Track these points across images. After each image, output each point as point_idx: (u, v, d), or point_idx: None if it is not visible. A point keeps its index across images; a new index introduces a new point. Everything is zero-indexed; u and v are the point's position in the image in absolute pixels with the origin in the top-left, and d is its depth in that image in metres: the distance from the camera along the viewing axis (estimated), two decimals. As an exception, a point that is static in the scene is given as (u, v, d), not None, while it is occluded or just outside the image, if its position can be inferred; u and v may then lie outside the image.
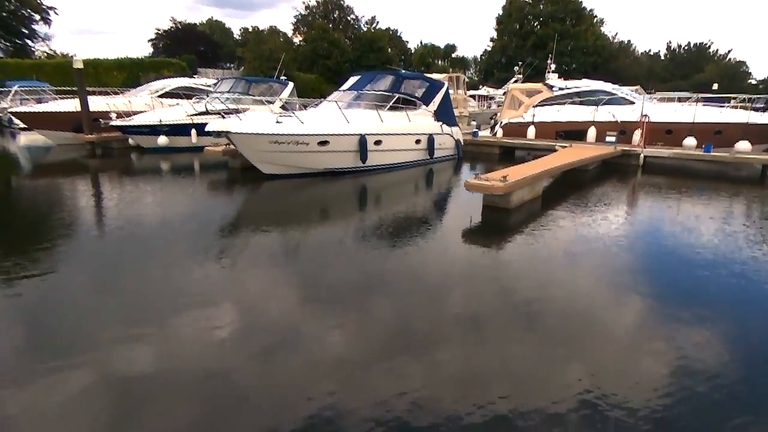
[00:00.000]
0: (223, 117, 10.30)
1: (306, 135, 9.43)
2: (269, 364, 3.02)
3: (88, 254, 5.29)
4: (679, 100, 15.91)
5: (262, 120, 9.91)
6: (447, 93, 13.34)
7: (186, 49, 45.95)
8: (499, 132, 15.79)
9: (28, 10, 40.29)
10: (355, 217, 7.60)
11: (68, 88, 17.48)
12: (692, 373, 3.10)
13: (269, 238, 6.14)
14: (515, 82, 25.00)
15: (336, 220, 7.45)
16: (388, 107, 11.36)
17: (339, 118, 10.17)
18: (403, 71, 13.63)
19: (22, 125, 19.32)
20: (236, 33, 65.83)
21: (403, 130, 11.47)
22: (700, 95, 15.27)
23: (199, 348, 3.13)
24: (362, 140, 10.19)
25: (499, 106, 24.01)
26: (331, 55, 48.17)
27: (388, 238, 6.03)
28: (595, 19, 50.60)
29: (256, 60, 48.13)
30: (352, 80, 12.70)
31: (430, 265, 5.10)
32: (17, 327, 3.43)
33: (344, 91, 12.29)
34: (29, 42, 41.26)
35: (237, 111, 11.48)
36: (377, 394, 2.79)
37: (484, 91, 33.87)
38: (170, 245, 5.56)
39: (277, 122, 9.44)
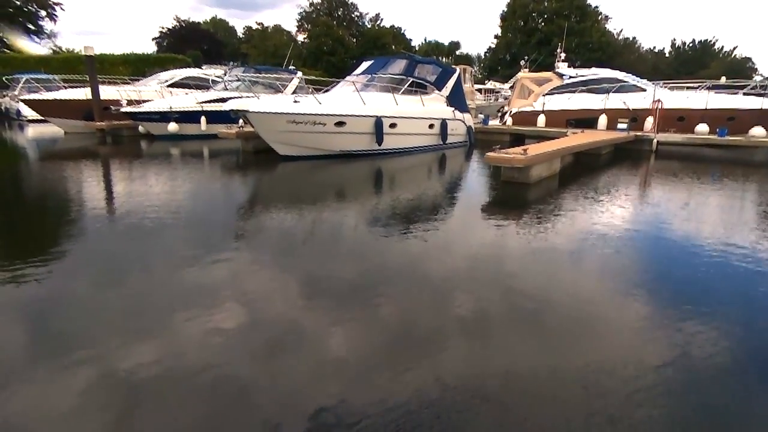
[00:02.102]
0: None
1: (324, 115, 9.42)
2: (296, 346, 2.82)
3: (109, 237, 5.09)
4: (688, 88, 15.78)
5: (279, 100, 9.92)
6: (459, 79, 13.34)
7: (190, 47, 45.91)
8: (509, 121, 15.75)
9: (35, 6, 40.34)
10: (378, 197, 7.48)
11: (77, 77, 17.49)
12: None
13: (297, 218, 6.01)
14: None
15: (361, 199, 7.27)
16: (402, 91, 11.36)
17: (356, 100, 10.17)
18: (416, 56, 13.62)
19: (30, 117, 19.41)
20: (240, 32, 65.88)
21: (417, 113, 11.47)
22: (712, 82, 15.19)
23: (225, 329, 2.90)
24: (378, 122, 10.18)
25: (505, 99, 23.95)
26: (336, 51, 48.22)
27: (413, 218, 5.81)
28: (600, 15, 50.54)
29: (261, 56, 48.26)
30: (366, 64, 12.70)
31: (462, 243, 4.90)
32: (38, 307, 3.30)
33: (358, 75, 12.29)
34: (36, 38, 41.35)
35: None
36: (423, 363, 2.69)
37: (490, 85, 33.86)
38: (190, 228, 5.37)
39: (295, 102, 9.45)
